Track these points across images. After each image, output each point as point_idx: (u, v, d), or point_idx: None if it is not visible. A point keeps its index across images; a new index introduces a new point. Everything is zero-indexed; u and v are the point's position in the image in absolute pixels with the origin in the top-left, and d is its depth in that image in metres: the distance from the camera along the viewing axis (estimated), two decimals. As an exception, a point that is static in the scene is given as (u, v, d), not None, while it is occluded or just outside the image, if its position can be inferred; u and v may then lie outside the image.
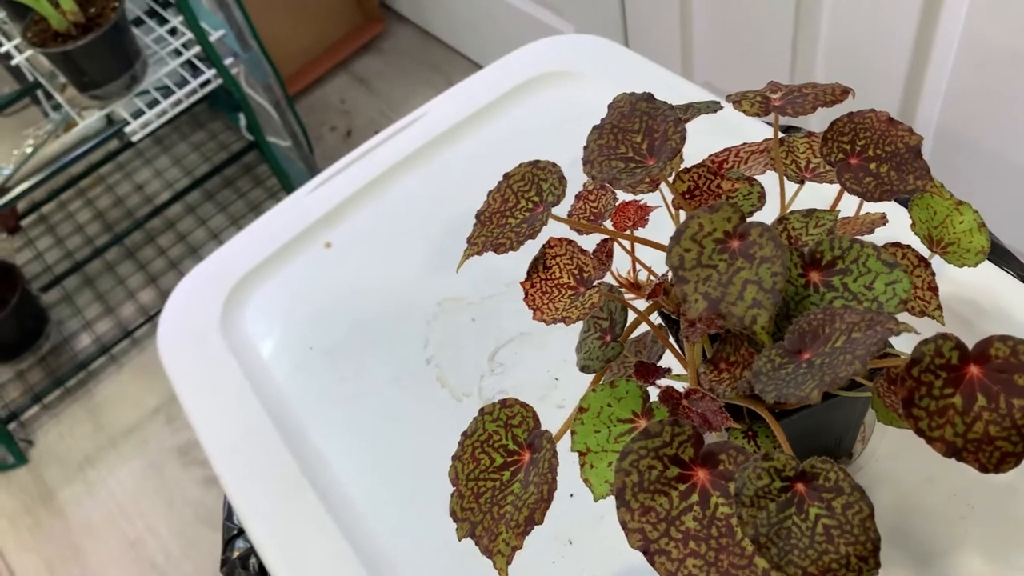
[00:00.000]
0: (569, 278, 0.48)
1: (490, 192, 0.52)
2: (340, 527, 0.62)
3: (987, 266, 0.65)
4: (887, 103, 1.17)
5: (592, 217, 0.55)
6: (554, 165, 0.50)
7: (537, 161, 0.51)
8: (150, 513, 1.61)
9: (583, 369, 0.50)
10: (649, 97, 0.50)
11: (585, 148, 0.50)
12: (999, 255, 0.70)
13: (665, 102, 0.50)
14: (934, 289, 0.52)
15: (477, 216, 0.51)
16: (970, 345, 0.38)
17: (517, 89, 0.87)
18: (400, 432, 0.68)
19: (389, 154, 0.84)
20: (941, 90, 1.10)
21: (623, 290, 0.55)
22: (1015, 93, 1.02)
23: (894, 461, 0.60)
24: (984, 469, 0.38)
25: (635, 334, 0.53)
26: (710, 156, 0.58)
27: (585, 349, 0.50)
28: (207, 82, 1.61)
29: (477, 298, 0.74)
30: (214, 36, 1.62)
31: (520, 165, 0.51)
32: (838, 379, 0.37)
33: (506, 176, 0.51)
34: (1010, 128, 1.05)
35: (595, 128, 0.51)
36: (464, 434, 0.48)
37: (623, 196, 0.56)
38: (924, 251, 0.53)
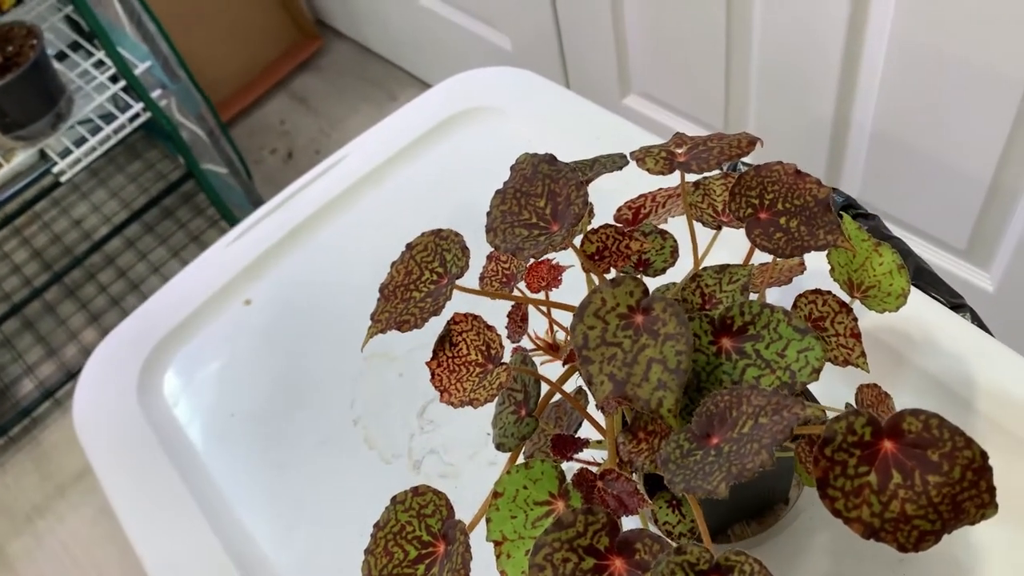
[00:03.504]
0: (477, 355, 0.46)
1: (393, 264, 0.50)
2: None
3: (915, 294, 0.64)
4: (821, 110, 1.17)
5: (504, 279, 0.53)
6: (456, 235, 0.48)
7: (440, 231, 0.48)
8: (104, 562, 1.56)
9: (499, 447, 0.47)
10: (551, 159, 0.48)
11: (488, 215, 0.48)
12: (928, 281, 0.70)
13: (567, 164, 0.48)
14: (857, 335, 0.50)
15: (381, 290, 0.49)
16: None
17: (439, 127, 0.84)
18: (328, 501, 0.66)
19: (308, 202, 0.81)
20: (873, 94, 1.10)
21: (541, 353, 0.53)
22: (944, 95, 1.01)
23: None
24: (903, 549, 0.37)
25: (557, 397, 0.51)
26: (627, 203, 0.56)
27: (500, 424, 0.48)
28: (136, 116, 1.57)
29: (403, 351, 0.72)
30: (140, 68, 1.57)
31: (423, 235, 0.49)
32: (745, 471, 0.35)
33: (409, 247, 0.49)
34: (942, 129, 1.05)
35: (497, 193, 0.49)
36: (376, 525, 0.46)
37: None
38: (845, 296, 0.51)
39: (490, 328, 0.46)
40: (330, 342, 0.73)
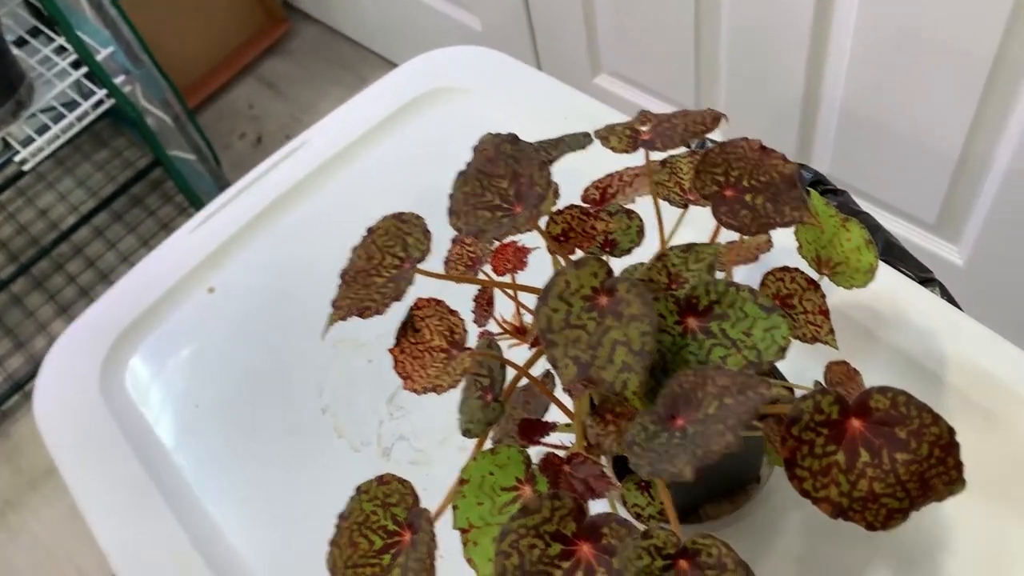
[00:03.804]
0: (440, 340, 0.45)
1: (354, 248, 0.48)
2: None
3: (884, 269, 0.64)
4: (791, 87, 1.16)
5: (469, 263, 0.52)
6: (418, 218, 0.47)
7: (401, 214, 0.47)
8: (78, 555, 1.55)
9: (466, 433, 0.47)
10: (514, 139, 0.47)
11: (450, 197, 0.47)
12: (897, 256, 0.69)
13: (530, 144, 0.47)
14: (825, 312, 0.50)
15: (342, 276, 0.48)
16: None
17: (405, 108, 0.83)
18: (297, 491, 0.65)
19: (272, 186, 0.79)
20: (843, 71, 1.10)
21: (508, 337, 0.53)
22: (913, 70, 1.01)
23: (803, 481, 0.58)
24: (871, 527, 0.36)
25: (525, 381, 0.50)
26: (594, 183, 0.55)
27: (466, 410, 0.47)
28: (99, 103, 1.54)
29: (372, 337, 0.71)
30: (102, 54, 1.54)
31: (384, 219, 0.48)
32: (711, 453, 0.34)
33: (369, 231, 0.48)
34: (911, 105, 1.05)
35: (460, 175, 0.48)
36: (341, 516, 0.45)
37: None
38: (813, 273, 0.51)
39: (453, 313, 0.45)
40: (297, 329, 0.72)
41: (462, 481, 0.44)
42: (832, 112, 1.15)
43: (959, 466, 0.36)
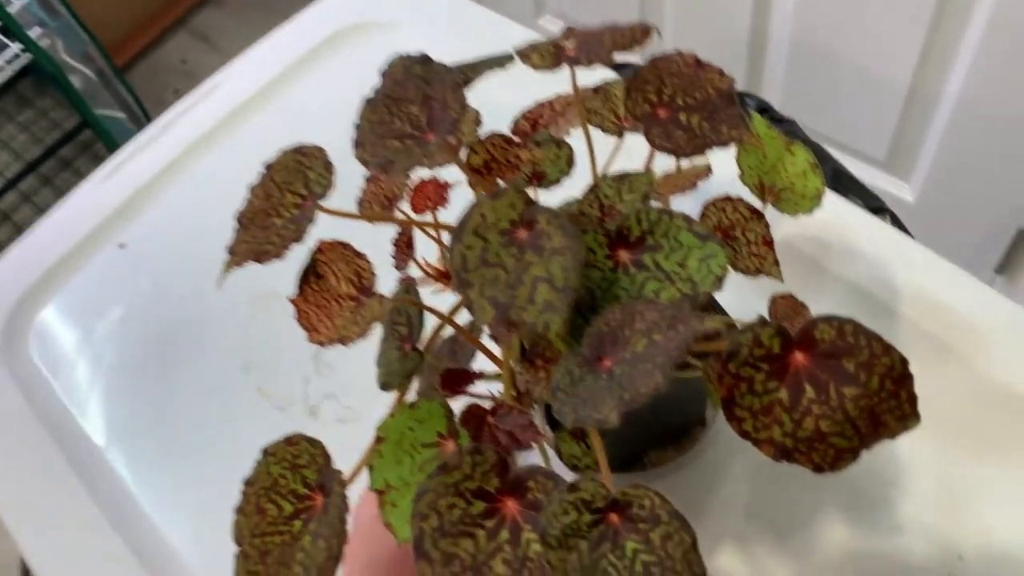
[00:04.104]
0: (348, 287, 0.41)
1: (251, 187, 0.44)
2: (144, 565, 0.55)
3: (832, 198, 0.61)
4: (738, 22, 1.12)
5: (385, 202, 0.47)
6: (319, 150, 0.42)
7: (300, 147, 0.43)
8: None
9: (383, 386, 0.43)
10: (424, 59, 0.43)
11: (356, 127, 0.43)
12: (846, 185, 0.66)
13: (443, 64, 0.42)
14: (769, 243, 0.46)
15: (238, 218, 0.43)
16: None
17: (325, 45, 0.77)
18: (217, 456, 0.60)
19: (184, 132, 0.74)
20: (790, 3, 1.06)
21: (432, 282, 0.48)
22: (859, 1, 0.98)
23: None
24: (819, 469, 0.33)
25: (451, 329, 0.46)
26: (523, 113, 0.51)
27: (384, 362, 0.43)
28: (15, 57, 1.45)
29: (294, 290, 0.66)
30: (16, 5, 1.45)
31: (283, 153, 0.43)
32: (639, 396, 0.31)
33: (267, 167, 0.43)
34: (859, 37, 1.02)
35: (367, 102, 0.43)
36: (246, 481, 0.41)
37: (419, 172, 0.49)
38: (757, 202, 0.47)
39: (360, 256, 0.41)
40: (213, 284, 0.67)
41: (379, 439, 0.40)
42: (780, 47, 1.12)
43: (913, 399, 0.33)
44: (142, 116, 1.77)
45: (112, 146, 1.67)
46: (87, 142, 1.88)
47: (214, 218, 0.70)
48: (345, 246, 0.41)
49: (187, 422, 0.62)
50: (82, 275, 0.69)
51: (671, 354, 0.31)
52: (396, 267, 0.48)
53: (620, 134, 0.49)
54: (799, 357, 0.33)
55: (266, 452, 0.41)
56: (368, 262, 0.41)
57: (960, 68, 0.96)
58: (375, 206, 0.48)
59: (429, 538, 0.35)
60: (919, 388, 0.33)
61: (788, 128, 0.71)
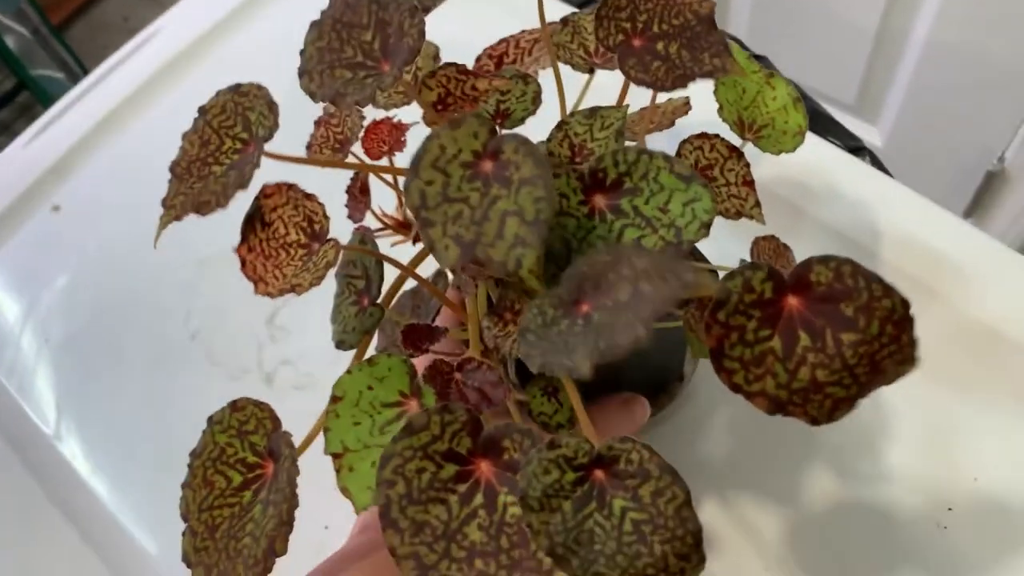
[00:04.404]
0: (297, 233, 0.37)
1: (185, 135, 0.40)
2: (100, 555, 0.51)
3: (810, 139, 0.58)
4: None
5: (336, 145, 0.44)
6: (260, 88, 0.38)
7: (238, 86, 0.39)
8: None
9: (339, 345, 0.39)
10: (376, -18, 0.39)
11: (301, 54, 0.39)
12: (823, 125, 0.64)
13: (397, -13, 0.39)
14: (750, 183, 0.43)
15: (171, 169, 0.39)
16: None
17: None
18: (166, 430, 0.57)
19: (120, 85, 0.69)
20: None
21: (390, 233, 0.45)
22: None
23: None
24: (815, 422, 0.31)
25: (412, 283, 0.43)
26: (486, 51, 0.47)
27: (340, 318, 0.40)
28: None
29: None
30: (-61, -44, 1.36)
31: (218, 93, 0.39)
32: (616, 347, 0.28)
33: (201, 111, 0.39)
34: None
35: (313, 26, 0.39)
36: (192, 453, 0.38)
37: (373, 114, 0.45)
38: (736, 140, 0.44)
39: (310, 198, 0.37)
40: (156, 247, 0.63)
41: (334, 399, 0.37)
42: None
43: (913, 343, 0.30)
44: (82, 76, 1.69)
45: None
46: (26, 104, 1.79)
47: (155, 175, 0.65)
48: (291, 187, 0.37)
49: (132, 394, 0.58)
50: (13, 241, 0.65)
51: (657, 306, 0.28)
52: (350, 217, 0.45)
53: (591, 71, 0.46)
54: (793, 302, 0.30)
55: (211, 420, 0.38)
56: (320, 204, 0.37)
57: (928, 10, 0.93)
58: (325, 150, 0.44)
59: (396, 506, 0.32)
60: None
61: (763, 64, 0.68)
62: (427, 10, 0.40)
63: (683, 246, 0.35)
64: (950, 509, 0.47)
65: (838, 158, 0.57)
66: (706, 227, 0.34)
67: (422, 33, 0.37)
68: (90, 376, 0.59)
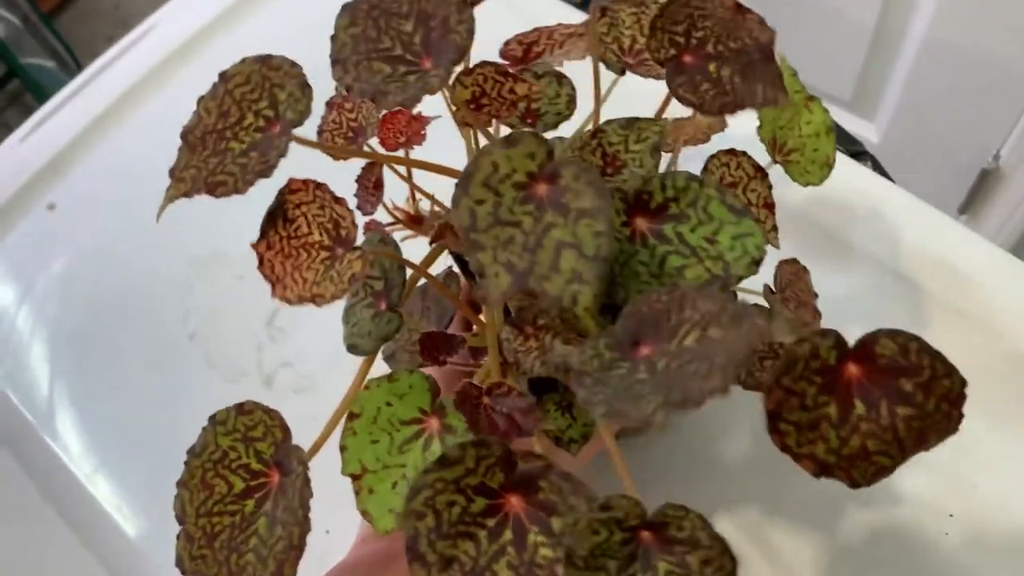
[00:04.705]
0: (322, 235, 0.35)
1: (201, 100, 0.36)
2: (98, 556, 0.49)
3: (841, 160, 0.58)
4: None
5: (350, 134, 0.41)
6: (294, 65, 0.35)
7: (268, 57, 0.35)
8: None
9: (351, 349, 0.37)
10: (422, -35, 0.36)
11: (333, 39, 0.36)
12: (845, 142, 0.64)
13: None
14: (771, 206, 0.43)
15: (183, 136, 0.36)
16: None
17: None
18: (164, 433, 0.54)
19: (117, 79, 0.65)
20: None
21: (401, 228, 0.43)
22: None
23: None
24: (855, 485, 0.30)
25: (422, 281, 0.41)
26: (516, 37, 0.44)
27: (354, 320, 0.38)
28: None
29: (242, 249, 0.59)
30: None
31: (244, 61, 0.36)
32: (691, 399, 0.27)
33: (223, 77, 0.36)
34: None
35: (345, 9, 0.36)
36: (191, 452, 0.35)
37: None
38: (763, 158, 0.43)
39: (339, 201, 0.35)
40: (154, 245, 0.60)
41: (352, 415, 0.35)
42: None
43: (960, 417, 0.30)
44: (73, 64, 1.58)
45: (42, 97, 1.50)
46: (15, 93, 1.65)
47: (150, 173, 0.61)
48: (320, 187, 0.35)
49: (129, 396, 0.56)
50: (8, 240, 0.62)
51: (733, 356, 0.27)
52: (360, 209, 0.42)
53: (622, 71, 0.44)
54: (853, 370, 0.30)
55: (214, 420, 0.35)
56: (349, 210, 0.35)
57: (926, 8, 0.94)
58: (338, 138, 0.41)
59: (425, 539, 0.30)
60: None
61: None
62: (474, 3, 0.37)
63: (730, 281, 0.34)
64: (951, 516, 0.49)
65: (840, 163, 0.57)
66: (756, 264, 0.34)
67: (472, 31, 0.34)
68: (87, 377, 0.57)
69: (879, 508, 0.50)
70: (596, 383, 0.29)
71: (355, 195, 0.42)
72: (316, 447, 0.35)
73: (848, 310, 0.52)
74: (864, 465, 0.30)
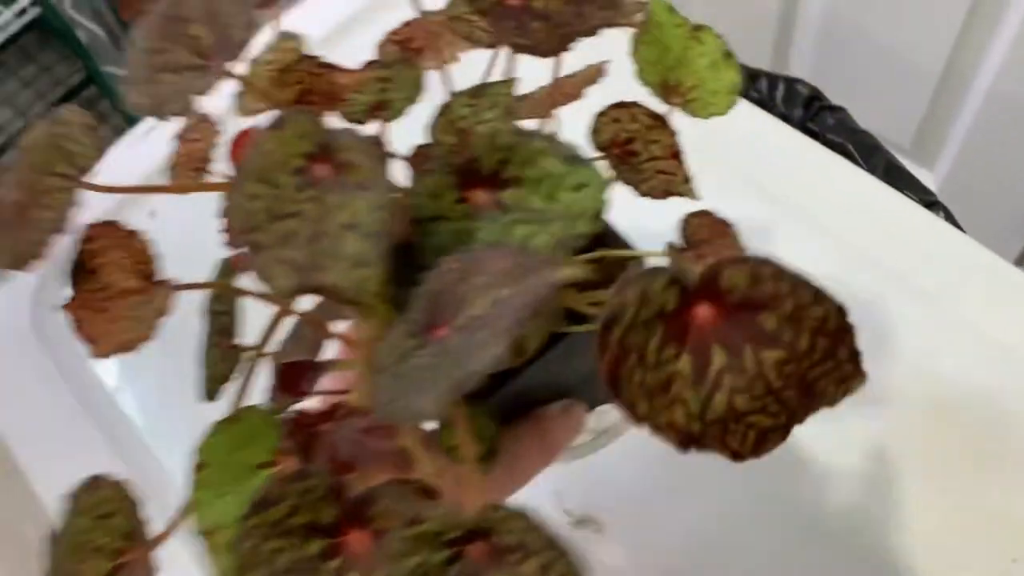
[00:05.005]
0: (132, 279, 0.32)
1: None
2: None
3: (886, 192, 0.58)
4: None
5: (199, 165, 0.38)
6: (76, 112, 0.32)
7: (54, 115, 0.33)
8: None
9: (208, 394, 0.34)
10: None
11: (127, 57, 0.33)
12: (897, 178, 0.62)
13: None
14: (677, 154, 0.37)
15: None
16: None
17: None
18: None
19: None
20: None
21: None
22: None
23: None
24: (739, 456, 0.25)
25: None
26: (388, 35, 0.41)
27: (208, 363, 0.35)
28: (23, 12, 1.34)
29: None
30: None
31: (34, 127, 0.33)
32: (468, 376, 0.22)
33: (21, 151, 0.34)
34: (894, 18, 0.95)
35: (139, 25, 0.34)
36: (52, 536, 0.32)
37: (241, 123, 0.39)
38: (660, 107, 0.38)
39: (132, 234, 0.31)
40: None
41: (199, 466, 0.32)
42: (810, 27, 1.04)
43: (855, 356, 0.24)
44: None
45: (117, 103, 1.57)
46: (91, 99, 1.74)
47: None
48: (113, 226, 0.32)
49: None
50: None
51: (518, 315, 0.22)
52: (228, 244, 0.39)
53: (494, 44, 0.39)
54: (703, 312, 0.24)
55: (72, 498, 0.32)
56: (143, 242, 0.31)
57: (995, 56, 0.90)
58: (189, 171, 0.38)
59: (253, 599, 0.26)
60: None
61: (840, 118, 0.66)
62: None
63: (577, 240, 0.29)
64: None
65: (914, 212, 0.58)
66: (595, 216, 0.28)
67: (251, 23, 0.31)
68: (184, 376, 0.58)
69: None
70: (393, 380, 0.25)
71: (220, 230, 0.39)
72: (181, 515, 0.32)
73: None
74: (740, 430, 0.24)
